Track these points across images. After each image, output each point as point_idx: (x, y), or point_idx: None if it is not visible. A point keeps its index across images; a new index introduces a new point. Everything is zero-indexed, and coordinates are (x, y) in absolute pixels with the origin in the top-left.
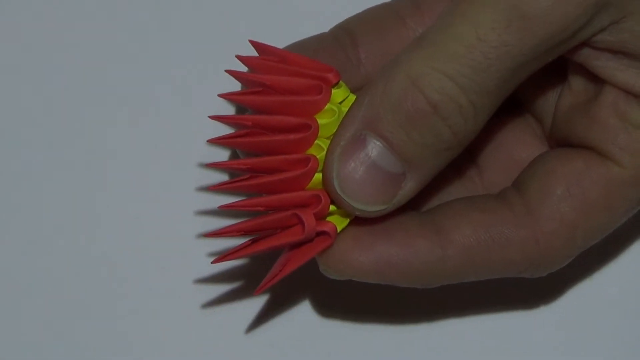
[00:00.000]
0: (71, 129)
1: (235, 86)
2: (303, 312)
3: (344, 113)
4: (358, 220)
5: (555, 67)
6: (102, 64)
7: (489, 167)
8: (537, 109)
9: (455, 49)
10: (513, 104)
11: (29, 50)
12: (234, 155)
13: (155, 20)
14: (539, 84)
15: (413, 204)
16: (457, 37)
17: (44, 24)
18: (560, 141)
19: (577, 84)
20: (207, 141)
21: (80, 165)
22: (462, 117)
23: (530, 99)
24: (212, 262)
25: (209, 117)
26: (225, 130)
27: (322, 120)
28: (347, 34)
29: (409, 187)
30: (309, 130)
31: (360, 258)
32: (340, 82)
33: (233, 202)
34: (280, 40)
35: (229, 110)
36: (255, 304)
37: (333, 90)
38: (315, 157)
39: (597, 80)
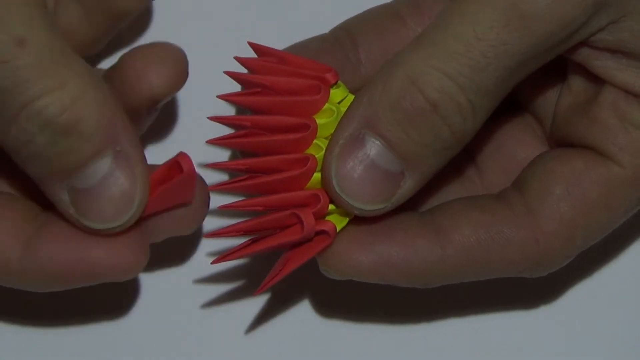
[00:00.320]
0: None
1: (235, 87)
2: (303, 312)
3: (343, 113)
4: (358, 221)
5: (555, 67)
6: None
7: (489, 167)
8: (537, 109)
9: (455, 48)
10: (513, 104)
11: None
12: (233, 156)
13: (155, 20)
14: (539, 84)
15: (413, 204)
16: (456, 36)
17: None
18: (560, 141)
19: (576, 84)
20: (207, 142)
21: None
22: (461, 116)
23: (530, 99)
24: (212, 263)
25: (208, 117)
26: (224, 130)
27: (320, 120)
28: (347, 34)
29: (407, 186)
30: (308, 130)
31: (360, 258)
32: (339, 82)
33: (232, 202)
34: (280, 41)
35: (228, 111)
36: (255, 304)
37: (332, 90)
38: (314, 156)
39: (596, 80)
